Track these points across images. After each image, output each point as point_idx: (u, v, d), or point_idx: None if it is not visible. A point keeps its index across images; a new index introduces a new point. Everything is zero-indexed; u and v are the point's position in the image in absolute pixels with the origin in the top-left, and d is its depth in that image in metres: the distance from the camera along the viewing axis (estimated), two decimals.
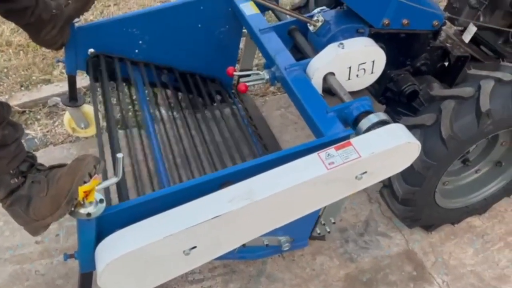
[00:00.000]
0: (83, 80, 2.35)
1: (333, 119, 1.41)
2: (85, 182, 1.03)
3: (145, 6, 3.13)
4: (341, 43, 1.54)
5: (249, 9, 1.85)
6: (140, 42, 1.91)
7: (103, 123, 1.86)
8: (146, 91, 1.88)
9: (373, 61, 1.60)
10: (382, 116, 1.33)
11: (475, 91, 1.48)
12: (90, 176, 1.04)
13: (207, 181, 1.23)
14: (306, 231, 1.69)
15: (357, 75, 1.61)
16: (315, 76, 1.56)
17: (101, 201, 1.10)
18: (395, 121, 1.61)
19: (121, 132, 1.72)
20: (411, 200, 1.66)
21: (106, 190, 1.25)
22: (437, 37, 1.81)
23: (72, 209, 1.07)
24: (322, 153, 1.26)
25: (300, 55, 1.79)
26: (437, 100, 1.55)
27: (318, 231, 1.66)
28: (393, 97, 1.83)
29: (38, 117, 2.31)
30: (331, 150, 1.27)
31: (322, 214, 1.61)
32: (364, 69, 1.60)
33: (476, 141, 1.59)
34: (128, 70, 1.89)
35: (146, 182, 1.52)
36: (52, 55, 2.57)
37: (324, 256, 1.83)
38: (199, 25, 1.98)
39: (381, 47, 1.62)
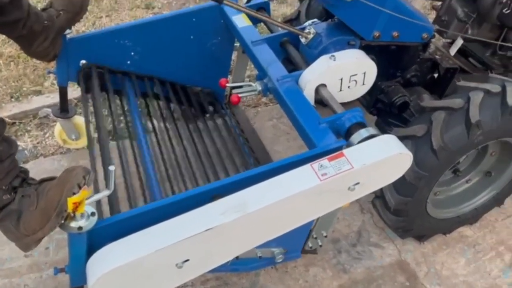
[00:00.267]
0: (74, 91, 2.34)
1: (326, 130, 1.42)
2: (74, 194, 1.02)
3: (137, 17, 3.13)
4: (333, 55, 1.56)
5: (241, 21, 1.87)
6: (132, 53, 1.91)
7: (95, 135, 1.85)
8: (138, 103, 1.88)
9: (364, 73, 1.61)
10: (373, 131, 1.34)
11: (465, 102, 1.50)
12: (80, 187, 1.03)
13: (199, 194, 1.22)
14: (299, 242, 1.68)
15: (348, 87, 1.63)
16: (307, 87, 1.57)
17: (92, 214, 1.09)
18: (386, 132, 1.63)
19: (113, 144, 1.71)
20: (403, 211, 1.67)
21: (98, 203, 1.24)
22: (426, 49, 1.83)
23: (62, 221, 1.06)
24: (315, 164, 1.26)
25: (292, 66, 1.80)
26: (428, 111, 1.57)
27: (310, 245, 1.66)
28: (384, 108, 1.85)
29: (29, 128, 2.29)
30: (324, 161, 1.27)
31: (314, 228, 1.61)
32: (356, 81, 1.62)
33: (467, 151, 1.61)
34: (120, 81, 1.88)
35: (138, 194, 1.50)
36: (43, 66, 2.56)
37: (317, 267, 1.83)
38: (192, 37, 1.98)
39: (372, 59, 1.64)
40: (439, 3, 1.98)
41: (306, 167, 1.26)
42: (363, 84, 1.64)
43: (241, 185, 1.21)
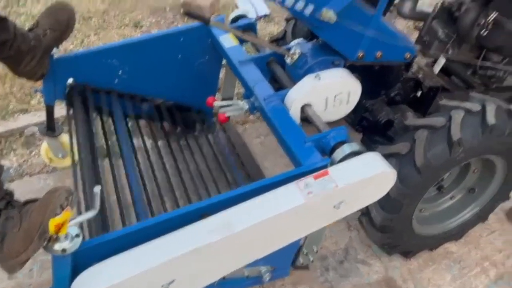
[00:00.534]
0: (62, 109, 2.33)
1: (311, 148, 1.44)
2: (56, 215, 1.02)
3: (126, 36, 3.15)
4: (318, 75, 1.59)
5: (228, 41, 1.89)
6: (120, 72, 1.92)
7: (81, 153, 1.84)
8: (126, 121, 1.89)
9: (349, 92, 1.64)
10: (356, 146, 1.37)
11: (446, 121, 1.54)
12: (62, 208, 1.03)
13: (186, 213, 1.22)
14: (287, 259, 1.68)
15: (333, 105, 1.66)
16: (293, 106, 1.59)
17: (77, 236, 1.08)
18: (371, 149, 1.66)
19: (99, 163, 1.71)
20: (389, 227, 1.69)
21: (84, 223, 1.23)
22: (409, 68, 1.89)
23: (46, 243, 1.05)
24: (301, 183, 1.28)
25: (279, 85, 1.83)
26: (411, 129, 1.60)
27: (301, 261, 1.66)
28: (369, 126, 1.88)
29: (14, 146, 2.27)
30: (309, 179, 1.28)
31: (304, 244, 1.62)
32: (340, 100, 1.65)
33: (449, 169, 1.64)
34: (108, 100, 1.89)
35: (125, 213, 1.50)
36: (30, 84, 2.55)
37: (305, 285, 1.82)
38: (179, 56, 2.00)
39: (357, 78, 1.67)
40: (421, 23, 2.04)
41: (292, 186, 1.27)
42: (348, 103, 1.67)
43: (228, 204, 1.22)
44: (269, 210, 1.21)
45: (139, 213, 1.46)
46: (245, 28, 1.99)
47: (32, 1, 3.40)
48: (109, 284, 1.03)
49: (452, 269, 1.95)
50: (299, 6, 1.41)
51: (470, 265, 1.97)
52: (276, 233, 1.28)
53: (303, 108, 1.61)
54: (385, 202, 1.60)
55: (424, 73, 1.97)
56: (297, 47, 1.73)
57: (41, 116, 2.27)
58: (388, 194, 1.45)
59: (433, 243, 1.95)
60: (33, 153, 2.24)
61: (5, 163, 2.17)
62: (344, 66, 1.71)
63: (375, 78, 1.83)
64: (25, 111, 2.43)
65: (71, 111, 1.80)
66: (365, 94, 1.78)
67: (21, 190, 1.99)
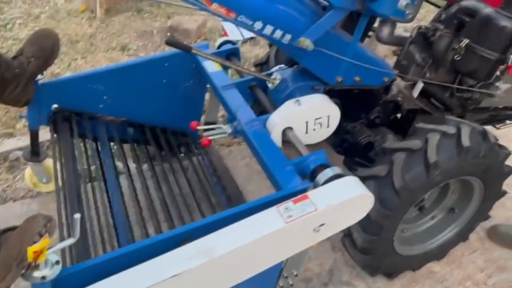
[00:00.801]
0: (47, 133, 2.34)
1: (292, 172, 1.47)
2: (35, 242, 1.02)
3: (113, 59, 3.19)
4: (298, 100, 1.63)
5: (212, 67, 1.94)
6: (105, 97, 1.94)
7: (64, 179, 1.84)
8: (111, 145, 1.90)
9: (328, 116, 1.69)
10: (338, 170, 1.40)
11: (423, 143, 1.58)
12: (41, 236, 1.03)
13: (166, 239, 1.23)
14: (270, 282, 1.69)
15: (314, 129, 1.69)
16: (274, 130, 1.63)
17: (57, 262, 1.08)
18: (352, 171, 1.69)
19: (83, 187, 1.71)
20: (371, 249, 1.71)
21: (66, 249, 1.23)
22: (388, 91, 1.94)
23: (25, 271, 1.05)
24: (281, 207, 1.30)
25: (261, 109, 1.87)
26: (389, 152, 1.64)
27: (281, 285, 1.66)
28: (350, 148, 1.92)
29: None
30: (289, 203, 1.31)
31: (285, 267, 1.62)
32: (321, 124, 1.69)
33: (427, 190, 1.67)
34: (92, 124, 1.91)
35: (106, 239, 1.50)
36: (15, 108, 2.54)
37: None
38: (164, 81, 2.04)
39: (336, 103, 1.72)
40: (399, 48, 2.11)
41: (272, 210, 1.29)
42: (328, 126, 1.71)
43: (208, 229, 1.23)
44: (249, 235, 1.23)
45: (121, 239, 1.46)
46: (229, 53, 2.05)
47: (19, 25, 3.44)
48: None
49: None
50: (277, 35, 1.46)
51: (452, 285, 1.99)
52: (257, 257, 1.29)
53: (284, 132, 1.64)
54: (366, 224, 1.62)
55: (403, 96, 2.02)
56: (278, 73, 1.78)
57: (26, 140, 2.27)
58: (368, 216, 1.47)
59: (415, 263, 1.97)
60: (17, 177, 2.23)
61: None
62: (324, 91, 1.76)
63: (355, 101, 1.88)
64: (10, 135, 2.43)
65: (55, 136, 1.81)
66: (346, 117, 1.82)
67: (5, 215, 1.99)
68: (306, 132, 1.68)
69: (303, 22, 1.50)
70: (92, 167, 1.92)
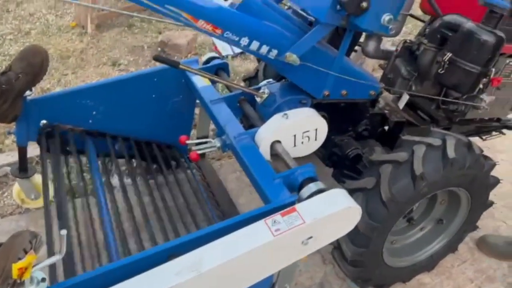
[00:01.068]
0: (36, 149, 2.33)
1: (280, 185, 1.48)
2: (20, 259, 1.01)
3: (103, 74, 3.20)
4: (285, 114, 1.64)
5: (200, 82, 1.95)
6: (94, 112, 1.95)
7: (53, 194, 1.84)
8: (99, 160, 1.90)
9: (316, 129, 1.70)
10: (321, 185, 1.41)
11: (409, 155, 1.60)
12: (26, 252, 1.03)
13: (154, 254, 1.23)
14: None
15: (302, 142, 1.71)
16: (263, 144, 1.64)
17: (43, 280, 1.08)
18: (341, 184, 1.70)
19: (72, 203, 1.71)
20: (360, 261, 1.71)
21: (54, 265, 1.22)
22: (375, 104, 1.97)
23: None
24: (269, 220, 1.30)
25: (250, 123, 1.88)
26: (376, 164, 1.66)
27: None
28: (338, 160, 1.94)
29: None
30: (277, 216, 1.31)
31: (277, 282, 1.62)
32: (308, 137, 1.70)
33: (415, 202, 1.69)
34: (81, 140, 1.91)
35: (95, 255, 1.49)
36: (4, 124, 2.55)
37: None
38: (153, 96, 2.05)
39: (323, 116, 1.73)
40: (385, 62, 2.14)
41: (260, 223, 1.29)
42: (316, 139, 1.73)
43: (197, 244, 1.23)
44: (237, 249, 1.23)
45: (110, 254, 1.46)
46: (218, 68, 2.07)
47: (9, 41, 3.45)
48: None
49: None
50: (263, 50, 1.48)
51: None
52: (246, 271, 1.29)
53: (272, 146, 1.65)
54: (354, 236, 1.63)
55: (390, 108, 2.05)
56: (266, 87, 1.80)
57: (15, 156, 2.25)
58: (357, 228, 1.48)
59: (406, 275, 1.97)
60: (5, 194, 2.21)
61: None
62: (312, 104, 1.78)
63: (342, 114, 1.90)
64: None
65: (44, 152, 1.81)
66: (334, 130, 1.84)
67: None
68: (294, 145, 1.70)
69: (289, 37, 1.53)
70: (81, 183, 1.92)
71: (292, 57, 1.49)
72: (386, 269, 1.84)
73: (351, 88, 1.77)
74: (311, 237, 1.34)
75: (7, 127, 2.46)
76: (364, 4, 1.39)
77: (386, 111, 2.01)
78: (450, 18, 1.73)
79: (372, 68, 3.55)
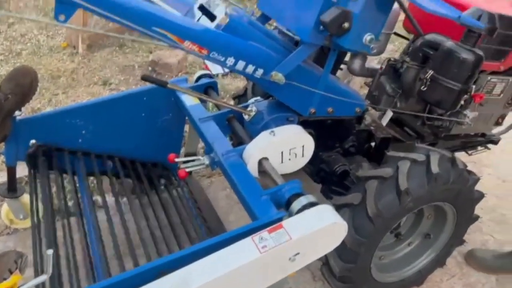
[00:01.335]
0: (25, 169, 2.33)
1: (267, 202, 1.49)
2: (5, 279, 1.02)
3: (94, 94, 3.22)
4: (272, 131, 1.67)
5: (189, 100, 1.98)
6: (84, 132, 1.96)
7: (42, 214, 1.83)
8: (91, 179, 1.90)
9: (303, 146, 1.73)
10: (312, 198, 1.43)
11: (394, 171, 1.63)
12: (11, 272, 1.03)
13: (142, 272, 1.23)
14: None
15: (289, 159, 1.73)
16: (250, 161, 1.66)
17: None
18: (329, 199, 1.72)
19: (60, 222, 1.70)
20: (349, 277, 1.72)
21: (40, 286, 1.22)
22: (361, 121, 2.00)
23: None
24: (256, 237, 1.32)
25: (239, 140, 1.91)
26: (362, 180, 1.68)
27: None
28: (326, 176, 1.96)
29: None
30: (264, 233, 1.33)
31: None
32: (295, 153, 1.73)
33: (401, 217, 1.71)
34: (70, 159, 1.91)
35: (82, 275, 1.49)
36: None
37: None
38: (143, 114, 2.07)
39: (310, 133, 1.76)
40: (371, 80, 2.19)
41: (247, 240, 1.31)
42: (303, 156, 1.75)
43: (185, 261, 1.24)
44: (225, 266, 1.24)
45: (97, 274, 1.45)
46: (207, 86, 2.10)
47: (0, 62, 3.46)
48: None
49: None
50: (249, 70, 1.52)
51: None
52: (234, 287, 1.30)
53: (260, 162, 1.67)
54: (342, 252, 1.64)
55: (376, 125, 2.09)
56: (254, 105, 1.83)
57: (4, 176, 2.25)
58: (344, 243, 1.50)
59: None
60: None
61: None
62: (298, 121, 1.81)
63: (329, 131, 1.93)
64: None
65: (33, 172, 1.81)
66: (321, 146, 1.87)
67: None
68: (282, 162, 1.72)
69: (274, 57, 1.57)
70: (70, 202, 1.92)
71: (278, 76, 1.52)
72: (374, 284, 1.85)
73: (337, 106, 1.81)
74: (298, 253, 1.35)
75: None
76: (346, 25, 1.43)
77: (372, 128, 2.05)
78: (431, 37, 1.78)
79: (360, 85, 3.61)
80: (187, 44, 1.36)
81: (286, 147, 1.70)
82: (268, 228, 1.34)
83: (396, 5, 1.60)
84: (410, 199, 1.59)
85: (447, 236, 1.94)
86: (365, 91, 2.79)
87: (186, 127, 2.32)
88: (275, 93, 1.71)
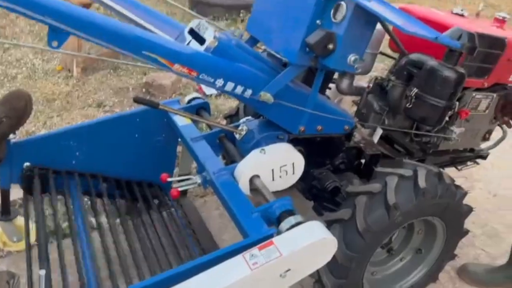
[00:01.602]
0: (20, 192, 2.34)
1: (258, 219, 1.51)
2: None
3: (89, 116, 3.26)
4: (263, 149, 1.71)
5: (181, 120, 2.02)
6: (77, 153, 1.99)
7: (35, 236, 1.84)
8: (85, 200, 1.92)
9: (293, 164, 1.76)
10: (300, 218, 1.45)
11: (382, 186, 1.66)
12: None
13: None
14: None
15: (280, 176, 1.76)
16: (242, 179, 1.69)
17: None
18: (321, 216, 1.75)
19: (54, 245, 1.71)
20: None
21: None
22: (350, 138, 2.04)
23: None
24: (246, 254, 1.33)
25: (230, 159, 1.94)
26: (352, 196, 1.71)
27: None
28: (317, 193, 1.99)
29: None
30: (254, 250, 1.35)
31: None
32: (286, 171, 1.76)
33: (390, 232, 1.74)
34: (64, 181, 1.93)
35: None
36: None
37: None
38: (136, 135, 2.10)
39: (300, 150, 1.80)
40: (359, 98, 2.25)
41: (238, 258, 1.33)
42: (293, 173, 1.78)
43: (177, 279, 1.25)
44: (216, 284, 1.26)
45: None
46: (199, 107, 2.14)
47: None
48: None
49: None
50: (238, 90, 1.56)
51: None
52: None
53: (251, 180, 1.70)
54: (334, 268, 1.66)
55: (366, 142, 2.13)
56: (244, 124, 1.87)
57: None
58: (335, 259, 1.52)
59: None
60: None
61: None
62: (288, 139, 1.85)
63: (318, 149, 1.98)
64: None
65: (26, 194, 1.83)
66: (312, 163, 1.91)
67: None
68: (273, 180, 1.75)
69: (263, 77, 1.61)
70: (64, 224, 1.93)
71: (266, 96, 1.57)
72: None
73: (326, 124, 1.85)
74: (289, 270, 1.37)
75: None
76: (331, 46, 1.49)
77: (361, 145, 2.09)
78: (415, 56, 1.84)
79: (352, 104, 3.67)
80: (177, 66, 1.41)
81: (276, 164, 1.73)
82: (258, 245, 1.36)
83: (380, 26, 1.66)
84: (399, 213, 1.62)
85: (438, 251, 1.96)
86: (354, 109, 2.84)
87: (180, 148, 2.36)
88: (264, 112, 1.75)
